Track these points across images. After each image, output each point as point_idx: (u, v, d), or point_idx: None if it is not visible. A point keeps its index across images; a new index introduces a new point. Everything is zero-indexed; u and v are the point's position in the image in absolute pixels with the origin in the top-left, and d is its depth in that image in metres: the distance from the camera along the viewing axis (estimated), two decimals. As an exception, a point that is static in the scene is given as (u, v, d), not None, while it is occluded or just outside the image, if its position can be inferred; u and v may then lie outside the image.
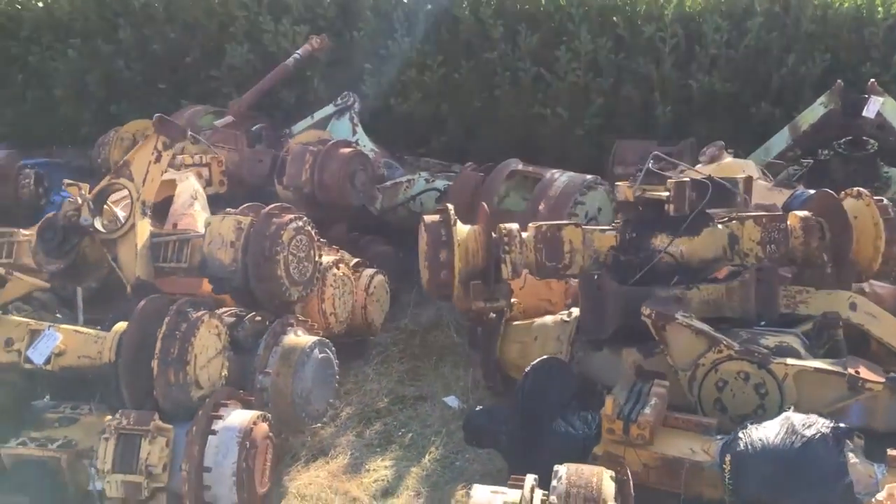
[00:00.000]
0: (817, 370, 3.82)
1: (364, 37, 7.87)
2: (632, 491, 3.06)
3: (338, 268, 4.99)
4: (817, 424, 3.35)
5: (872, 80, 6.32)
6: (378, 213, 6.48)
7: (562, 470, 3.05)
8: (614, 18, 7.43)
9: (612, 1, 7.46)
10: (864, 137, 6.26)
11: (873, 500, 2.99)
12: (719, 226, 4.37)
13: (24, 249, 4.61)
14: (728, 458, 3.38)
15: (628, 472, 3.13)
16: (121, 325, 3.91)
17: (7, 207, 6.39)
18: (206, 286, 4.56)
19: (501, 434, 3.91)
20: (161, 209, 5.34)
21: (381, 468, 4.27)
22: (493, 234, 4.38)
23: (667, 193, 4.23)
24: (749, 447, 3.37)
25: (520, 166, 6.15)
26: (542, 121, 7.61)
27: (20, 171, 6.68)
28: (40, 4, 8.78)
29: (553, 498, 2.96)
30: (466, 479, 4.09)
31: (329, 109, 7.12)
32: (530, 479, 3.04)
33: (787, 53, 7.16)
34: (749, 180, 4.47)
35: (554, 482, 3.01)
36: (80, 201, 4.38)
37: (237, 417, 3.68)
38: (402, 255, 5.97)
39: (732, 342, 3.92)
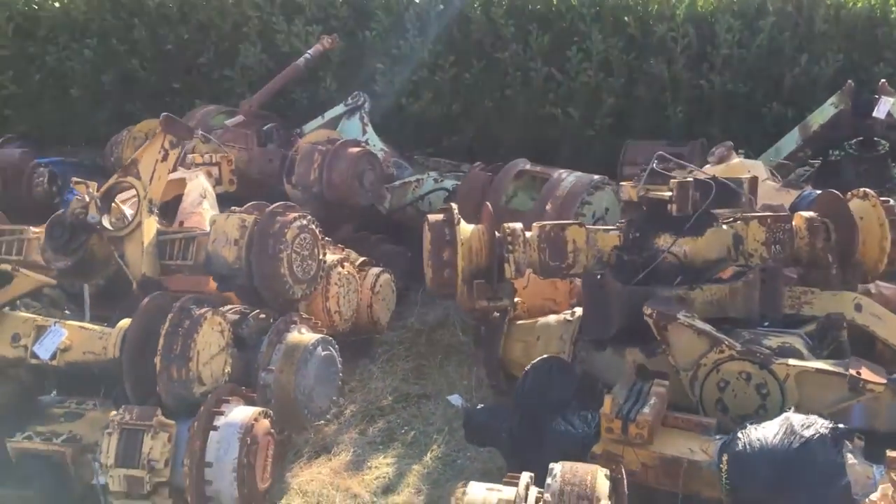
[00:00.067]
0: (819, 371, 3.80)
1: (376, 37, 7.89)
2: (625, 489, 3.06)
3: (342, 266, 5.02)
4: (816, 425, 3.34)
5: (883, 80, 6.27)
6: (387, 212, 6.51)
7: (557, 468, 3.06)
8: (626, 18, 7.41)
9: (623, 1, 7.44)
10: (875, 138, 6.22)
11: (867, 500, 2.97)
12: (724, 226, 4.36)
13: (34, 247, 4.66)
14: (725, 457, 3.38)
15: (623, 470, 3.12)
16: (125, 322, 3.96)
17: (21, 206, 6.46)
18: (213, 284, 4.60)
19: (502, 432, 3.92)
20: (173, 207, 5.40)
21: (382, 465, 4.30)
22: (497, 234, 4.39)
23: (670, 193, 4.22)
24: (747, 447, 3.37)
25: (527, 166, 6.16)
26: (554, 121, 7.61)
27: (34, 169, 6.76)
28: (57, 5, 8.85)
29: (547, 496, 2.96)
30: (467, 477, 4.09)
31: (339, 109, 7.14)
32: (525, 476, 3.05)
33: (799, 53, 7.11)
34: (754, 180, 4.45)
35: (549, 480, 3.01)
36: (87, 199, 4.44)
37: (239, 413, 3.72)
38: (410, 254, 5.98)
39: (734, 342, 3.91)
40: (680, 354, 3.99)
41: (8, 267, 4.23)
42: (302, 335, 4.33)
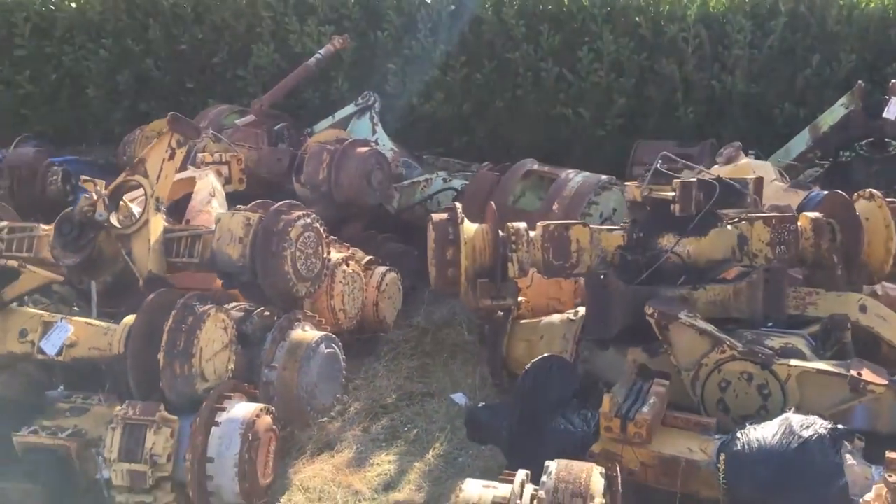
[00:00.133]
0: (820, 372, 3.78)
1: (388, 37, 7.93)
2: (620, 487, 3.06)
3: (347, 265, 5.04)
4: (815, 426, 3.34)
5: (894, 80, 6.23)
6: (395, 211, 6.53)
7: (552, 465, 3.06)
8: (637, 19, 7.42)
9: (635, 1, 7.46)
10: (886, 139, 6.18)
11: (861, 500, 2.96)
12: (728, 226, 4.35)
13: (44, 244, 4.69)
14: (723, 457, 3.37)
15: (617, 468, 3.13)
16: (130, 318, 4.00)
17: (35, 204, 6.52)
18: (219, 281, 4.63)
19: (502, 431, 3.93)
20: (182, 206, 5.44)
21: (384, 463, 4.31)
22: (501, 233, 4.40)
23: (673, 193, 4.22)
24: (745, 447, 3.37)
25: (535, 166, 6.17)
26: (565, 121, 7.63)
27: (48, 168, 6.82)
28: (73, 5, 8.96)
29: (542, 493, 2.97)
30: (468, 474, 4.05)
31: (350, 109, 7.17)
32: (521, 474, 3.05)
33: (811, 54, 7.10)
34: (759, 181, 4.44)
35: (544, 478, 3.02)
36: (96, 197, 4.48)
37: (241, 409, 3.75)
38: (417, 253, 6.00)
39: (736, 342, 3.90)
40: (681, 354, 3.98)
41: (15, 264, 4.28)
42: (305, 333, 4.36)
